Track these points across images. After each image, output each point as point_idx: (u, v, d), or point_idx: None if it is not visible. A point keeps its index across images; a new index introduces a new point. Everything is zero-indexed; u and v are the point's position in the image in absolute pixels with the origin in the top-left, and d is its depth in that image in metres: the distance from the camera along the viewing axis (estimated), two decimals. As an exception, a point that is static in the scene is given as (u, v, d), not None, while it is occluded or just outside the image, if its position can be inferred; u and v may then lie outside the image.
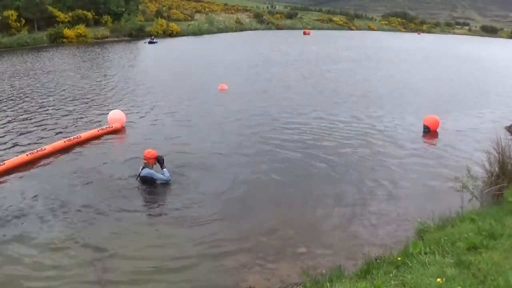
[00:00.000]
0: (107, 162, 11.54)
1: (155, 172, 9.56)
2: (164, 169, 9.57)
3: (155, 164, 9.69)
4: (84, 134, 13.54)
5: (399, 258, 5.62)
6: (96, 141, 13.49)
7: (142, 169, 9.58)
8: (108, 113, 15.42)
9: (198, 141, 13.43)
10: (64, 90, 21.95)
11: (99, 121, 15.69)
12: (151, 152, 9.78)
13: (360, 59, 40.69)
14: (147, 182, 9.56)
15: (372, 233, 8.12)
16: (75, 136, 13.16)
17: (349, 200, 9.56)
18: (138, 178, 9.65)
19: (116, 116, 14.95)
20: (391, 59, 41.29)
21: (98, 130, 14.11)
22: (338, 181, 10.63)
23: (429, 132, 15.21)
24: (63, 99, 19.75)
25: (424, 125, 15.37)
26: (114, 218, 8.44)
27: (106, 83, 24.25)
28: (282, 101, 19.96)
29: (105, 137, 13.94)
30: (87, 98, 19.95)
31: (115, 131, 14.49)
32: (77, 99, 19.68)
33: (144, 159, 9.70)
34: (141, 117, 16.66)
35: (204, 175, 10.54)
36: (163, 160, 9.67)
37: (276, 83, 25.05)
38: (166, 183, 9.68)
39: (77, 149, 12.66)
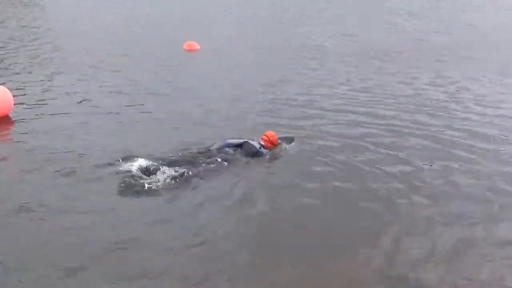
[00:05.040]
0: None
1: None
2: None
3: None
4: None
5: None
6: None
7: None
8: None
9: (149, 142, 7.92)
10: None
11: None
12: (274, 136, 7.80)
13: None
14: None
15: None
16: None
17: None
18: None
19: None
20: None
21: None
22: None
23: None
24: None
25: None
26: None
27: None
28: (303, 67, 13.53)
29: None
30: None
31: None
32: None
33: (265, 143, 7.66)
34: (39, 101, 10.16)
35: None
36: None
37: (295, 37, 18.05)
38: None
39: None
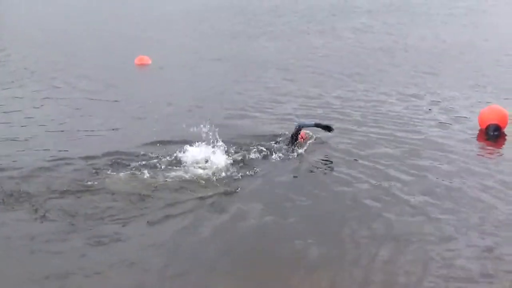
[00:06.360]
0: None
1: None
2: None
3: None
4: None
5: None
6: None
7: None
8: None
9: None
10: None
11: None
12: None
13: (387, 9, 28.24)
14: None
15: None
16: None
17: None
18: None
19: None
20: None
21: None
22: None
23: (500, 135, 8.85)
24: None
25: (490, 126, 8.92)
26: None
27: None
28: (256, 83, 12.80)
29: None
30: None
31: None
32: None
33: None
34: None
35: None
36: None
37: (248, 50, 17.19)
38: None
39: None
